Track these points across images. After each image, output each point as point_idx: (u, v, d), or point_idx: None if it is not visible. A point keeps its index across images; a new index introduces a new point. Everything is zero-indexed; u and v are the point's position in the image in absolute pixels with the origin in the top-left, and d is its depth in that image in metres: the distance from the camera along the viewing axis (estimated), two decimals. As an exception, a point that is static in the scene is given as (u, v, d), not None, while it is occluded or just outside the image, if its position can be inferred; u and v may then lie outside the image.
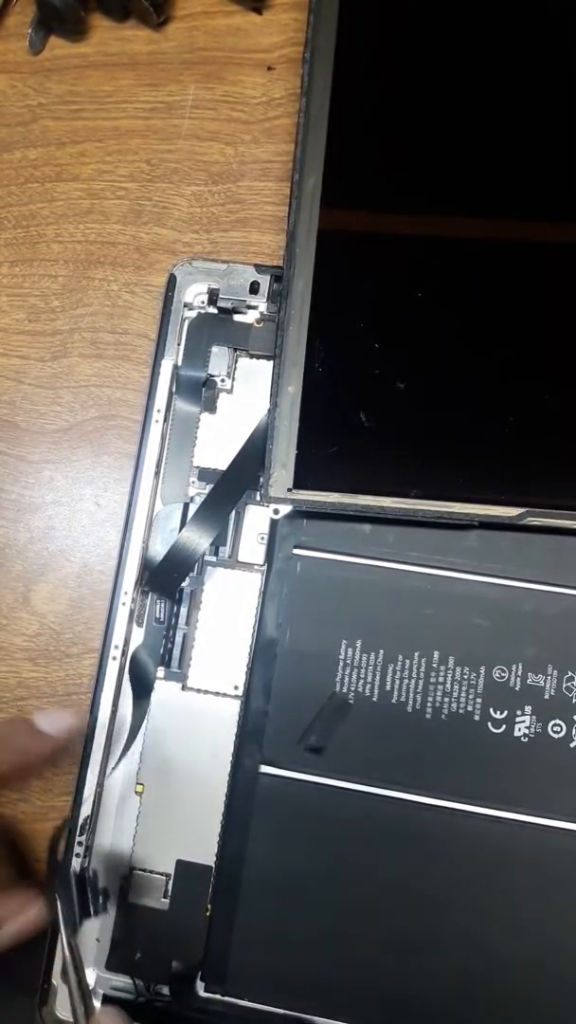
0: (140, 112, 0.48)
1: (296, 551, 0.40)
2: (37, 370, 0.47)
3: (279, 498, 0.39)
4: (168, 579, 0.42)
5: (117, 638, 0.41)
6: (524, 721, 0.38)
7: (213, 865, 0.39)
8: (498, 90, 0.43)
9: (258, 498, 0.42)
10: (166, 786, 0.41)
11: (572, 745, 0.38)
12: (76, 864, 0.39)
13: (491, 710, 0.38)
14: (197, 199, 0.48)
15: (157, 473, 0.43)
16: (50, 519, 0.46)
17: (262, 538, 0.42)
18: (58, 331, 0.47)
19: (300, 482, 0.39)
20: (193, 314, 0.44)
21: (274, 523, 0.41)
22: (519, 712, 0.38)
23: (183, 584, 0.42)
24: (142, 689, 0.41)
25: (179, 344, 0.44)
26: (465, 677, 0.38)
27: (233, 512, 0.42)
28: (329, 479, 0.39)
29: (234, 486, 0.42)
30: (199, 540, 0.42)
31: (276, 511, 0.40)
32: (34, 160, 0.49)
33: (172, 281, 0.44)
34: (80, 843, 0.39)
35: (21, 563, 0.45)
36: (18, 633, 0.45)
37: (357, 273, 0.41)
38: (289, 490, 0.39)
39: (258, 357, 0.44)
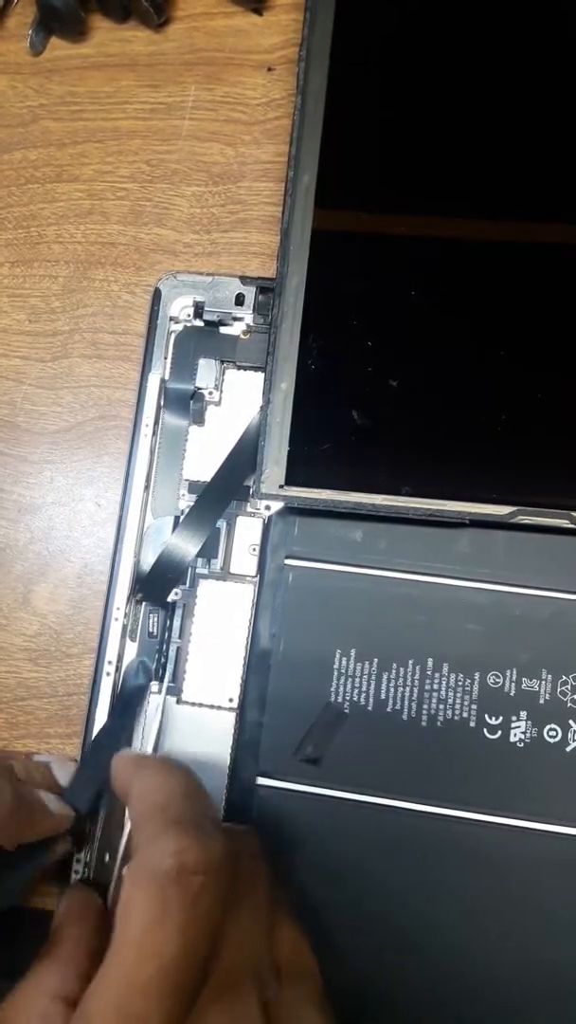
0: (140, 113, 0.48)
1: (288, 561, 0.40)
2: (37, 371, 0.47)
3: (271, 494, 0.40)
4: (159, 586, 0.42)
5: (111, 654, 0.41)
6: (519, 726, 0.38)
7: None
8: (493, 91, 0.42)
9: (248, 508, 0.42)
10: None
11: (568, 749, 0.38)
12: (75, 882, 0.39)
13: (486, 716, 0.38)
14: (197, 200, 0.48)
15: (147, 487, 0.43)
16: (50, 519, 0.46)
17: (254, 549, 0.42)
18: (58, 332, 0.47)
19: (292, 479, 0.39)
20: (179, 327, 0.45)
21: (266, 531, 0.41)
22: (514, 717, 0.38)
23: (175, 597, 0.42)
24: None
25: (166, 358, 0.44)
26: (459, 683, 0.38)
27: (223, 521, 0.42)
28: (321, 476, 0.39)
29: (222, 492, 0.42)
30: (188, 546, 0.42)
31: (268, 507, 0.40)
32: (34, 161, 0.49)
33: (157, 295, 0.44)
34: (78, 859, 0.40)
35: (21, 563, 0.46)
36: (18, 633, 0.45)
37: (351, 271, 0.42)
38: (281, 487, 0.39)
39: (245, 369, 0.44)
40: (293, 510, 0.41)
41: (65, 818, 0.36)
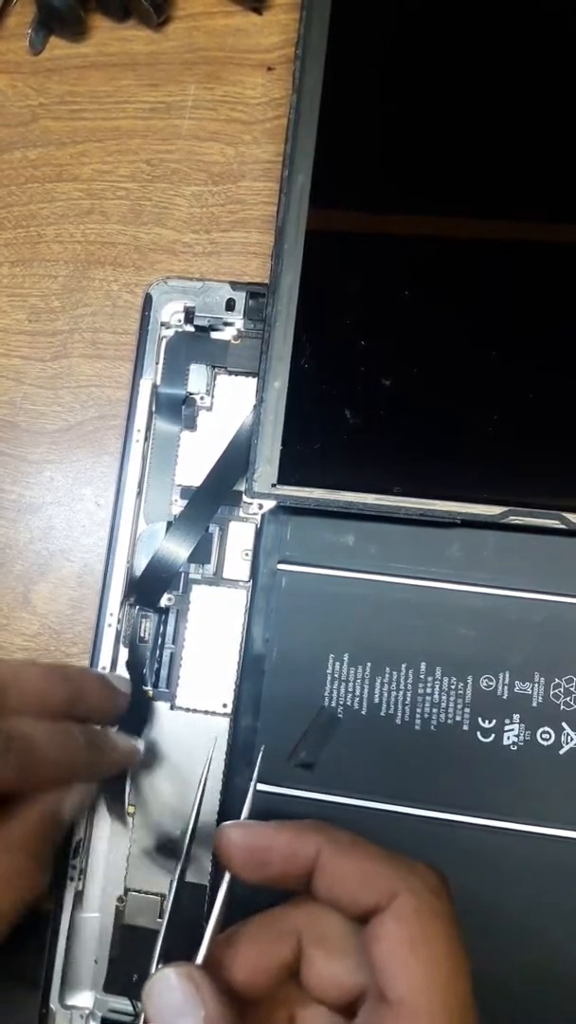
0: (140, 112, 0.48)
1: (280, 566, 0.40)
2: (37, 370, 0.47)
3: (263, 493, 0.40)
4: (152, 589, 0.42)
5: (104, 660, 0.42)
6: (513, 729, 0.38)
7: (207, 884, 0.38)
8: (488, 91, 0.42)
9: (240, 513, 0.43)
10: (158, 806, 0.41)
11: (561, 752, 0.38)
12: (70, 887, 0.40)
13: (479, 719, 0.38)
14: (197, 199, 0.48)
15: (139, 493, 0.43)
16: (50, 519, 0.46)
17: (246, 554, 0.42)
18: (58, 331, 0.47)
19: (284, 478, 0.40)
20: (170, 333, 0.45)
21: (258, 536, 0.41)
22: (507, 721, 0.38)
23: (169, 602, 0.42)
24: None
25: (157, 363, 0.44)
26: (452, 687, 0.38)
27: (216, 527, 0.43)
28: (313, 475, 0.40)
29: (213, 494, 0.43)
30: (180, 548, 0.42)
31: (260, 506, 0.41)
32: (34, 160, 0.49)
33: (148, 301, 0.45)
34: (74, 866, 0.40)
35: (21, 563, 0.46)
36: (18, 633, 0.45)
37: (345, 270, 0.42)
38: (273, 485, 0.40)
39: (236, 374, 0.44)
40: (285, 511, 0.41)
41: (134, 752, 0.39)
